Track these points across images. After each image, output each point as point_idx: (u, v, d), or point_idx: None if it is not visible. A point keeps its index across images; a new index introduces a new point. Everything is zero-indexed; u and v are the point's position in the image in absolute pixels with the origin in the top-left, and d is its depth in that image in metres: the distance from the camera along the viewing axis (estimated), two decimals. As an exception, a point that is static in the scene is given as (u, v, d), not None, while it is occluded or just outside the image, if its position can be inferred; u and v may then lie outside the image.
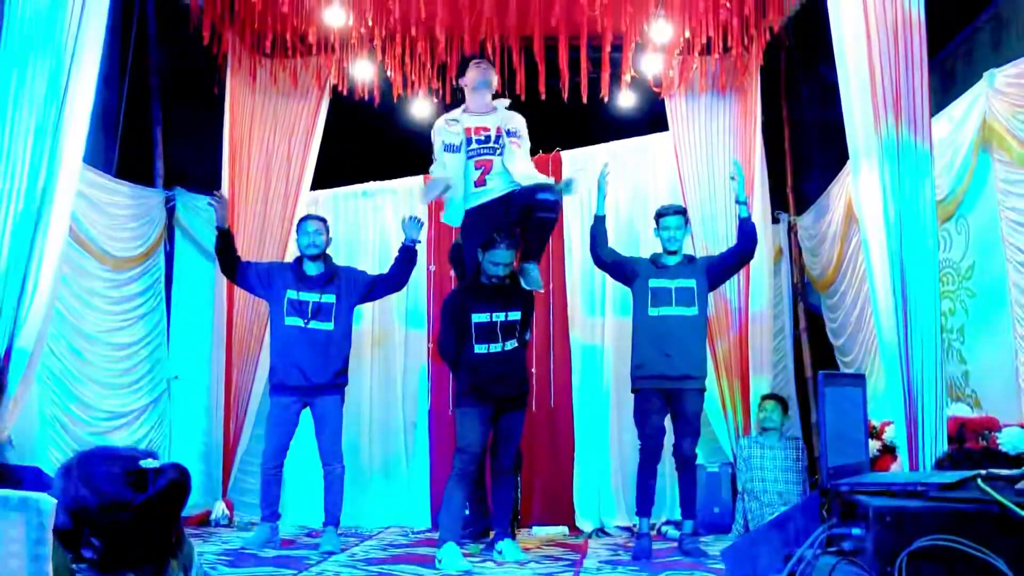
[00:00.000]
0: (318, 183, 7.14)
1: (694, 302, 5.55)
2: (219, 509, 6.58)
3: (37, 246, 4.34)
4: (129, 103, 6.73)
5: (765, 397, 6.35)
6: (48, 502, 1.72)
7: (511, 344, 5.37)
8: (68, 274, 5.67)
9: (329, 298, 5.73)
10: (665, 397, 5.52)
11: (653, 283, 5.56)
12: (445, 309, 5.54)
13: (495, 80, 5.78)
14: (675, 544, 5.66)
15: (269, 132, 7.03)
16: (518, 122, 5.73)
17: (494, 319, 5.33)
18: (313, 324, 5.69)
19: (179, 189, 7.13)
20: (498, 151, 5.61)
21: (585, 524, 6.68)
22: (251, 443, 6.65)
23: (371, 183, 7.42)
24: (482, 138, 5.64)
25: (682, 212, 5.79)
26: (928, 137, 4.23)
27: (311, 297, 5.72)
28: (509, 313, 5.34)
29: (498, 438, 5.44)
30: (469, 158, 5.63)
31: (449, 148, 5.68)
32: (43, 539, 1.71)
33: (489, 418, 5.35)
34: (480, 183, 5.61)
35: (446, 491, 5.29)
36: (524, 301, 5.46)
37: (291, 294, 5.73)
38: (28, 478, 4.38)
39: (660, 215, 5.75)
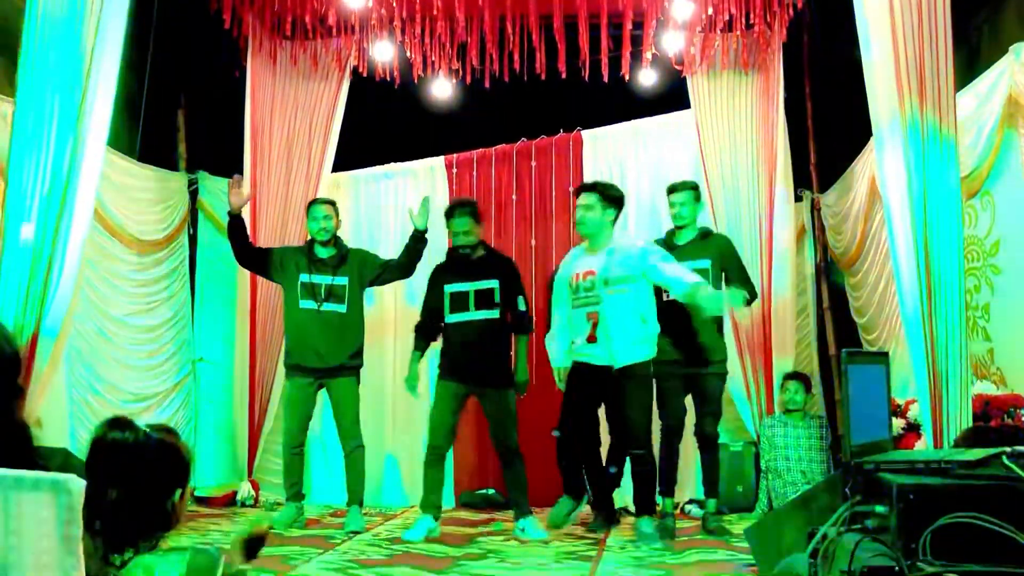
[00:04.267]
0: (339, 165, 7.15)
1: (708, 282, 5.48)
2: (244, 490, 6.64)
3: (63, 229, 4.37)
4: (151, 87, 6.75)
5: (788, 377, 6.32)
6: (78, 483, 1.74)
7: (484, 313, 5.45)
8: (94, 257, 5.71)
9: (341, 280, 5.77)
10: (685, 379, 5.51)
11: None
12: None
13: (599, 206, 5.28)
14: (698, 523, 5.67)
15: (290, 114, 7.05)
16: (625, 259, 5.17)
17: (467, 288, 5.48)
18: (326, 307, 5.74)
19: (201, 172, 7.17)
20: (601, 301, 5.15)
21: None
22: (276, 423, 6.69)
23: (392, 164, 7.41)
24: (588, 284, 5.21)
25: (691, 187, 5.72)
26: (953, 113, 4.18)
27: (324, 280, 5.76)
28: (483, 282, 5.45)
29: (489, 423, 5.53)
30: (576, 307, 5.26)
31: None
32: (73, 520, 1.73)
33: (461, 396, 5.48)
34: (592, 339, 5.18)
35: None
36: (501, 272, 5.55)
37: (304, 277, 5.77)
38: (56, 459, 4.43)
39: (668, 191, 5.73)
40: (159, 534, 2.09)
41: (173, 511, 2.13)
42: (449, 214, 5.65)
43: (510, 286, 5.56)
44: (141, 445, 2.08)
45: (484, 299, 5.52)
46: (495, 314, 5.52)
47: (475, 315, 5.51)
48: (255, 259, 5.94)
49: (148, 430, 2.11)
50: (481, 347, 5.49)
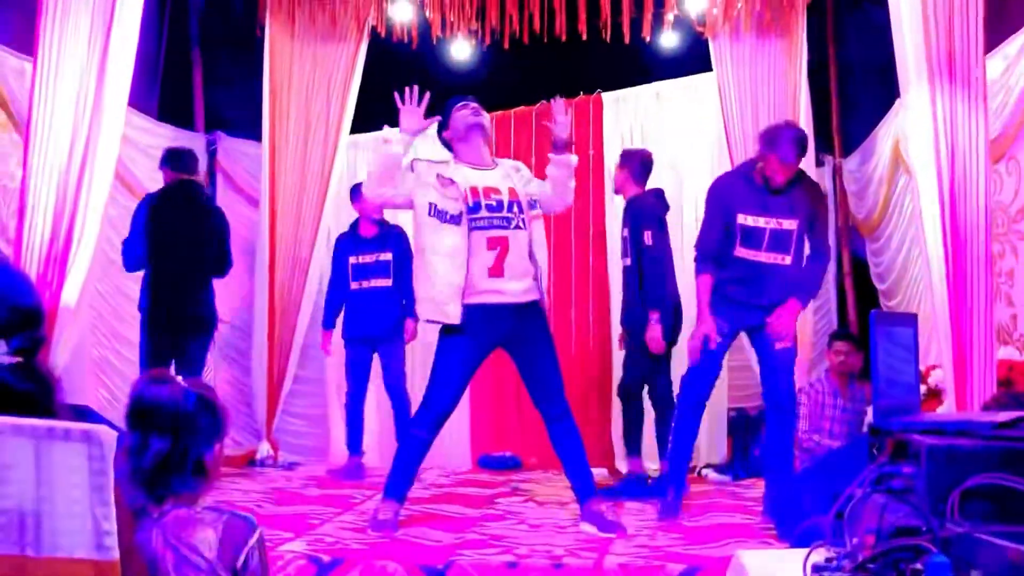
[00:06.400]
0: (358, 127, 7.11)
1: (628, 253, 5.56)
2: (264, 449, 6.69)
3: (84, 188, 4.38)
4: (169, 46, 6.73)
5: (836, 336, 5.92)
6: (109, 434, 1.75)
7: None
8: (114, 216, 5.72)
9: (386, 257, 6.10)
10: None
11: None
12: None
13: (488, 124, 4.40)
14: (715, 487, 5.68)
15: (309, 75, 7.00)
16: (532, 180, 4.34)
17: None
18: (375, 282, 6.06)
19: (220, 133, 7.15)
20: (515, 224, 4.11)
21: (625, 466, 6.70)
22: (295, 385, 6.72)
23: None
24: (493, 203, 4.11)
25: None
26: (982, 76, 4.13)
27: (369, 258, 6.13)
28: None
29: None
30: (474, 229, 4.07)
31: (442, 216, 4.07)
32: (104, 470, 1.74)
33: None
34: (496, 272, 4.10)
35: None
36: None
37: (352, 259, 6.13)
38: (79, 416, 4.47)
39: None
40: (198, 487, 2.12)
41: (211, 465, 2.15)
42: None
43: None
44: (181, 399, 2.10)
45: None
46: None
47: None
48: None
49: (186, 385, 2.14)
50: None
